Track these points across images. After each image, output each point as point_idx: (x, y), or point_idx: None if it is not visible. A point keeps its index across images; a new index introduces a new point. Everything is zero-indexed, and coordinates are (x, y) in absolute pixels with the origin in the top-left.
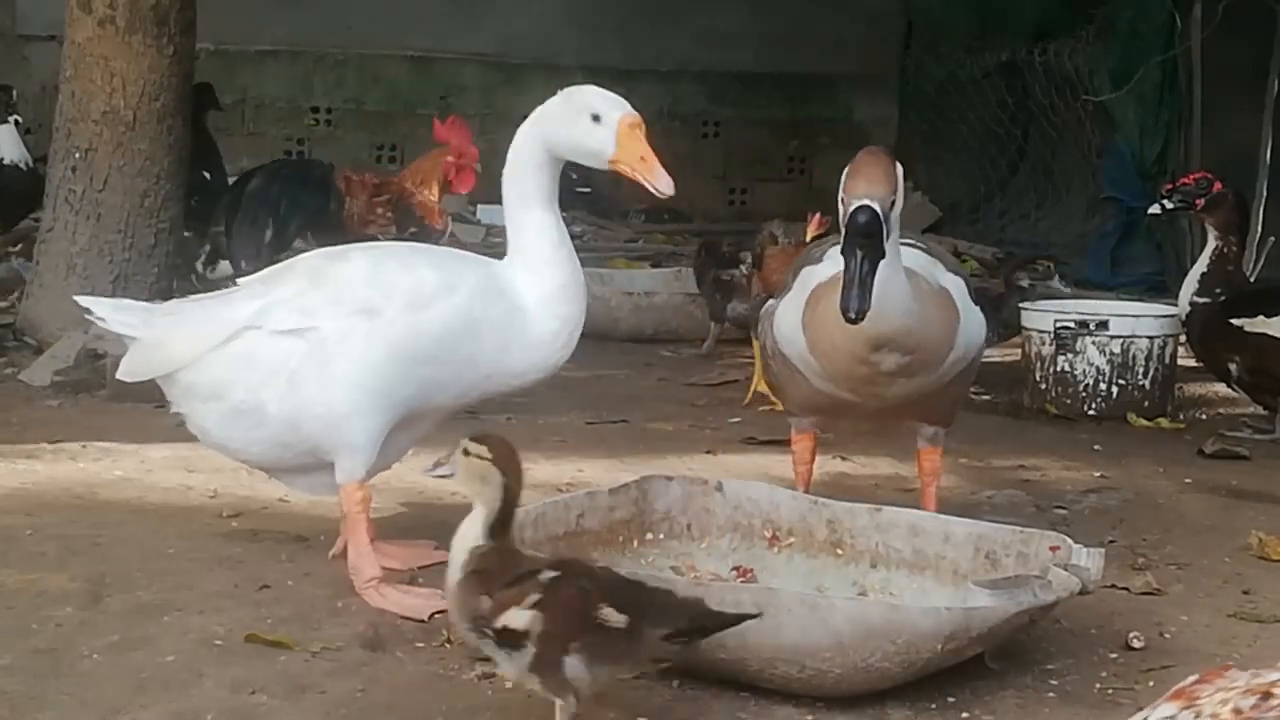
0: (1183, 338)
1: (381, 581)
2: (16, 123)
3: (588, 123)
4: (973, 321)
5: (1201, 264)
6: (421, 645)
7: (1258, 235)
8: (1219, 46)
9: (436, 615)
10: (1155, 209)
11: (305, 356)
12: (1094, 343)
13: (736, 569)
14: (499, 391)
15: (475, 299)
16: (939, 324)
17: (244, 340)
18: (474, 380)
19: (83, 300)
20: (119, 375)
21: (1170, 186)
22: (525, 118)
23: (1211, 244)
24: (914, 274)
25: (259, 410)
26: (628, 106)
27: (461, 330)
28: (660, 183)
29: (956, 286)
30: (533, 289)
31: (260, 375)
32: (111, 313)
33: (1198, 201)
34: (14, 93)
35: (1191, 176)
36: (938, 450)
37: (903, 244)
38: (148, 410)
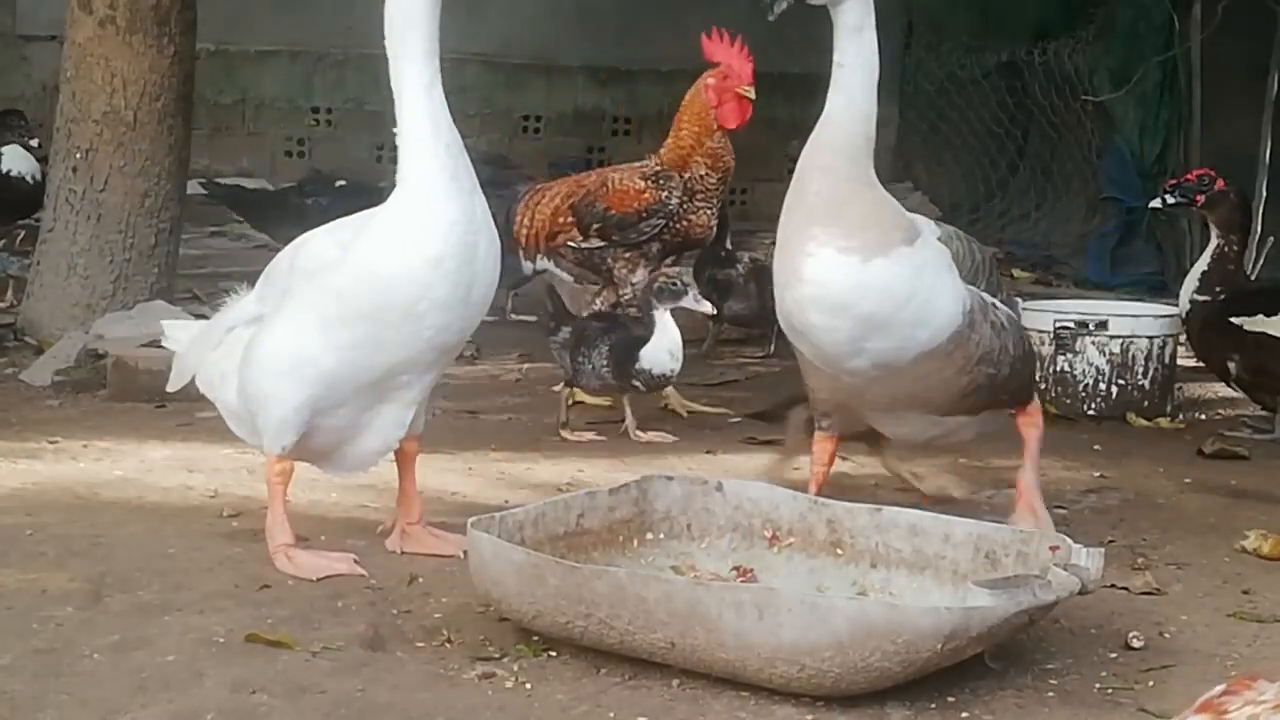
0: (1183, 337)
1: (291, 547)
2: (27, 145)
3: None
4: (945, 286)
5: (1203, 262)
6: (421, 645)
7: (1257, 235)
8: (1219, 46)
9: (326, 579)
10: (1156, 203)
11: (246, 347)
12: (1094, 343)
13: (736, 569)
14: (442, 341)
15: (368, 253)
16: (869, 190)
17: (227, 340)
18: (400, 335)
19: (164, 323)
20: (168, 389)
21: (1173, 182)
22: (525, 118)
23: (1213, 242)
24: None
25: (227, 403)
26: None
27: (362, 287)
28: None
29: (935, 254)
30: (402, 199)
31: (230, 366)
32: (172, 330)
33: (1198, 198)
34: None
35: (1194, 173)
36: (1027, 414)
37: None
38: (148, 410)
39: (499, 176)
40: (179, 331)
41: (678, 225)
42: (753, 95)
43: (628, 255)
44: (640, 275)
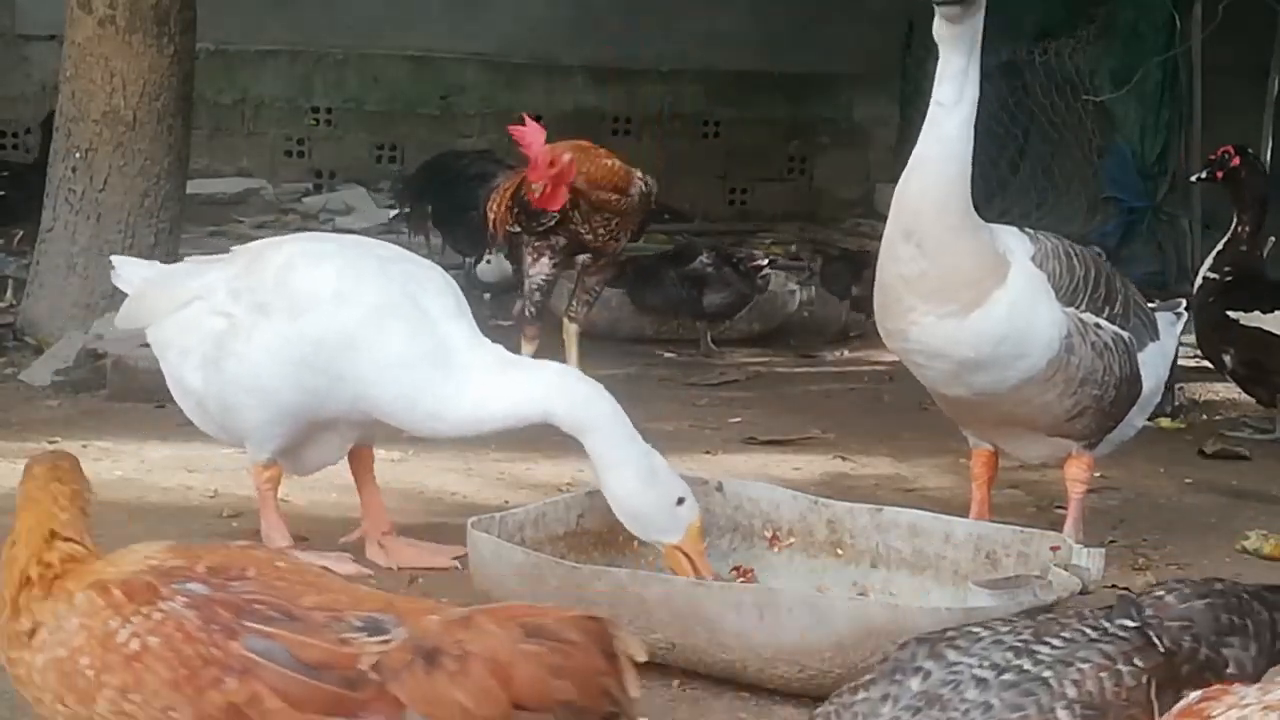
0: (1185, 337)
1: (291, 549)
2: None
3: (671, 500)
4: (1038, 317)
5: (1223, 240)
6: None
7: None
8: (1219, 46)
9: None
10: (1193, 178)
11: (215, 343)
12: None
13: (736, 569)
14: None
15: (364, 320)
16: (967, 254)
17: (190, 309)
18: (349, 398)
19: (115, 259)
20: (115, 323)
21: (1211, 157)
22: (524, 118)
23: (1234, 221)
24: (985, 227)
25: (183, 379)
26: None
27: (335, 344)
28: (705, 573)
29: (1028, 284)
30: (476, 377)
31: (188, 344)
32: (125, 268)
33: (1218, 174)
34: None
35: (1221, 149)
36: (1080, 459)
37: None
38: (148, 410)
39: (490, 169)
40: (134, 270)
41: (571, 227)
42: (536, 190)
43: (536, 244)
44: (542, 267)
